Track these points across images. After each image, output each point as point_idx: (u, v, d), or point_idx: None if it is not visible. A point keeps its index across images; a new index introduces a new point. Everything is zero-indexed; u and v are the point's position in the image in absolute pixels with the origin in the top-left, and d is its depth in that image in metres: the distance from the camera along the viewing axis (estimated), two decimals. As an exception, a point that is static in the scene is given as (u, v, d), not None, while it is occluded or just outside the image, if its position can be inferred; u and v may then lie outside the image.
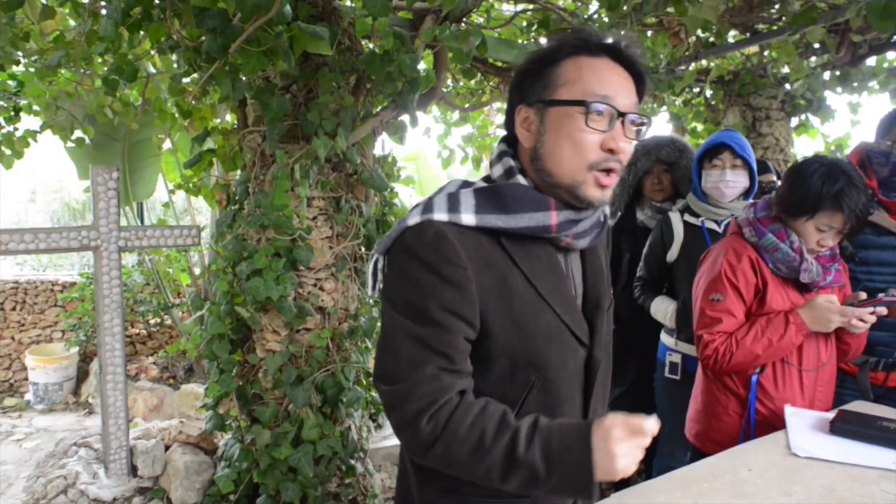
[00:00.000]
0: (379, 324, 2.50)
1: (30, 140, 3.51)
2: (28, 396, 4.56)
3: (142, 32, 2.09)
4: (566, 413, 1.06)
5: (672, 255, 2.41)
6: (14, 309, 4.72)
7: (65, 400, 4.52)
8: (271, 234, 2.30)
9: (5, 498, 3.30)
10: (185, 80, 2.15)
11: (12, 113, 3.42)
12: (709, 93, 3.46)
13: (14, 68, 3.04)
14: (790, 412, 1.67)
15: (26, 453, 3.81)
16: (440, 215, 0.96)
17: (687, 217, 2.39)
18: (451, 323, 0.93)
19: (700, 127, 3.90)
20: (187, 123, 2.80)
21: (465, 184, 1.04)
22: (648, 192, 2.68)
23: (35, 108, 3.44)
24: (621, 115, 0.94)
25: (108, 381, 2.37)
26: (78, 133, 3.67)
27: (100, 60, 2.62)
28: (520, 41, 3.21)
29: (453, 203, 0.97)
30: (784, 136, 3.52)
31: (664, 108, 3.85)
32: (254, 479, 2.34)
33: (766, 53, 3.32)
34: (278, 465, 2.30)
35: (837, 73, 3.21)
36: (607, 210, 1.11)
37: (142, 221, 4.90)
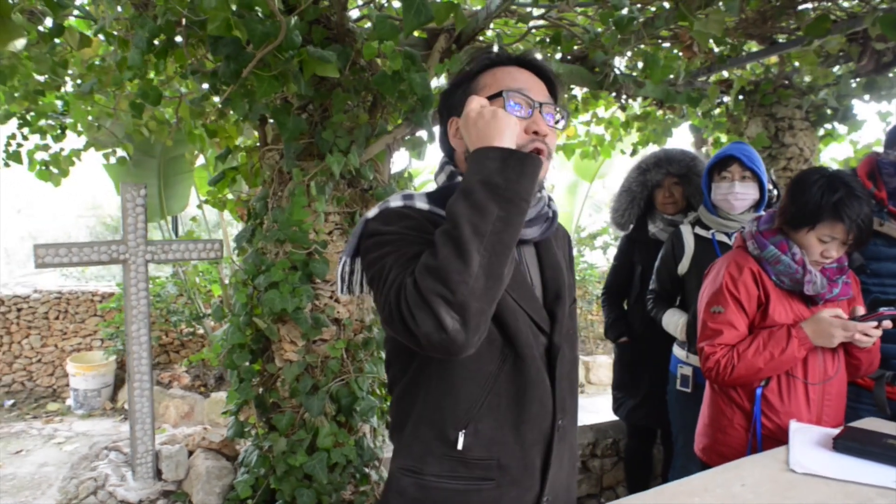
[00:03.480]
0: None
1: (74, 159, 3.71)
2: (69, 402, 4.77)
3: (170, 59, 2.22)
4: (538, 397, 1.10)
5: (683, 267, 2.41)
6: (57, 318, 4.97)
7: (102, 406, 4.72)
8: (289, 248, 2.38)
9: (45, 498, 3.47)
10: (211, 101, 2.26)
11: (59, 131, 3.62)
12: (726, 99, 3.43)
13: (62, 89, 3.24)
14: (795, 427, 1.65)
15: (66, 456, 3.99)
16: (395, 203, 1.07)
17: (697, 230, 2.39)
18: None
19: (724, 138, 3.87)
20: (215, 141, 2.92)
21: (423, 192, 1.13)
22: (660, 205, 2.68)
23: (80, 127, 3.64)
24: (539, 105, 1.07)
25: (136, 388, 2.49)
26: (119, 151, 3.88)
27: (132, 84, 2.77)
28: (538, 57, 3.26)
29: (407, 196, 1.09)
30: (809, 145, 3.46)
31: (687, 121, 3.83)
32: (271, 484, 2.41)
33: (789, 63, 3.29)
34: (294, 472, 2.37)
35: (863, 81, 3.16)
36: (555, 206, 1.20)
37: (176, 234, 5.10)
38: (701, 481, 1.39)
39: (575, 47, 2.95)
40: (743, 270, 1.77)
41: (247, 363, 2.48)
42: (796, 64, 3.19)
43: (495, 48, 2.63)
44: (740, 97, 3.45)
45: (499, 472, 1.07)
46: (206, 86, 1.99)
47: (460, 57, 2.40)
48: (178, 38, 2.02)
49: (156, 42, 2.04)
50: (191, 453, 2.66)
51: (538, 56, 1.14)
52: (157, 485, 2.53)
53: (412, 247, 0.98)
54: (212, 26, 1.67)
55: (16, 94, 2.91)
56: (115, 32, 2.25)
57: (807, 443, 1.57)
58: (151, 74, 2.17)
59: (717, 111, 3.66)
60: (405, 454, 1.10)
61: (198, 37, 1.97)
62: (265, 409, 2.52)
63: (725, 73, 3.48)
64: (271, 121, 2.50)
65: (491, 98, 1.06)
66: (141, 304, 2.47)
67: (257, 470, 2.44)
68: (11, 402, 4.85)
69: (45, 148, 3.46)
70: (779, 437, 1.71)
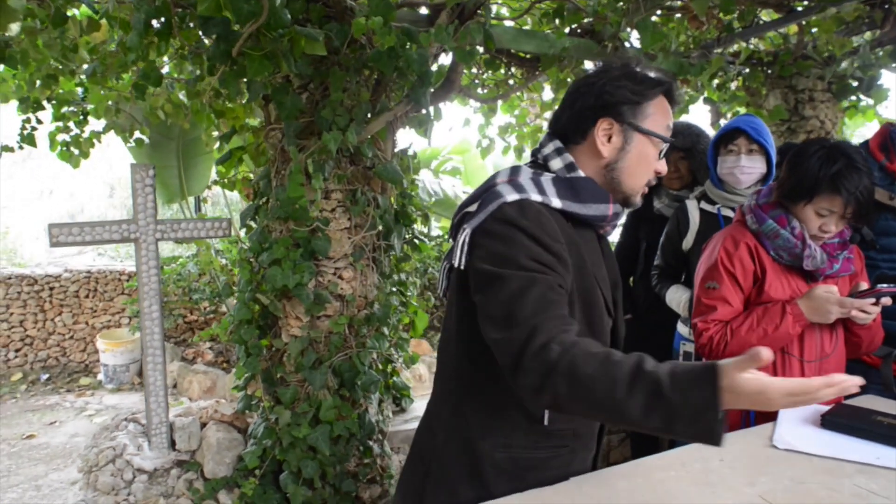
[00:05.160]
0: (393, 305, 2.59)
1: (95, 141, 3.80)
2: (100, 376, 4.97)
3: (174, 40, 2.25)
4: None
5: (687, 243, 2.37)
6: (87, 296, 5.16)
7: (131, 380, 4.90)
8: (292, 226, 2.42)
9: (75, 466, 3.64)
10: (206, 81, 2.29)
11: (81, 117, 3.71)
12: (746, 70, 3.31)
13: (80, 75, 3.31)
14: (786, 404, 1.63)
15: (95, 427, 4.16)
16: (535, 196, 1.11)
17: (703, 204, 2.35)
18: (556, 279, 1.06)
19: (743, 111, 3.75)
20: (222, 121, 2.97)
21: (536, 172, 1.18)
22: (665, 180, 2.64)
23: (100, 111, 3.72)
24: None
25: (149, 362, 2.58)
26: (138, 133, 3.96)
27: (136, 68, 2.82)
28: (547, 31, 3.20)
29: (541, 187, 1.13)
30: (830, 118, 3.34)
31: (705, 93, 3.72)
32: (277, 456, 2.49)
33: (808, 32, 3.16)
34: (299, 444, 2.44)
35: (889, 49, 3.02)
36: None
37: (200, 212, 5.21)
38: (679, 456, 1.39)
39: (583, 21, 2.90)
40: (739, 245, 1.73)
41: (254, 338, 2.55)
42: (815, 31, 3.06)
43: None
44: (759, 69, 3.34)
45: (573, 439, 1.23)
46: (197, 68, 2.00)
47: (446, 28, 2.37)
48: (174, 20, 2.04)
49: (157, 24, 2.09)
50: (204, 425, 2.75)
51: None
52: (171, 454, 2.63)
53: (550, 276, 1.04)
54: (202, 7, 1.69)
55: (37, 83, 2.99)
56: (122, 16, 2.28)
57: (795, 419, 1.55)
58: (153, 56, 2.21)
59: (735, 84, 3.55)
60: (495, 433, 1.18)
61: (194, 17, 1.99)
62: (272, 383, 2.59)
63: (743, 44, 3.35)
64: (274, 100, 2.53)
65: (657, 136, 1.16)
66: (152, 281, 2.55)
67: (264, 441, 2.52)
68: (47, 376, 5.08)
69: (66, 130, 3.54)
70: (773, 416, 1.69)
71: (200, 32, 1.79)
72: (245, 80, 1.95)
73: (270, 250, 2.39)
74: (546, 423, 1.16)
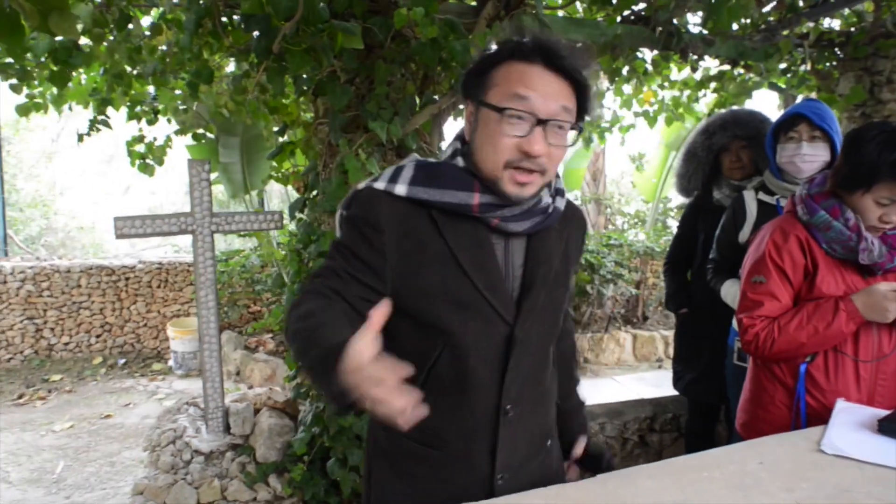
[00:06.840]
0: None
1: (167, 148, 3.96)
2: (170, 363, 5.25)
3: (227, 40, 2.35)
4: (478, 385, 1.11)
5: (744, 235, 2.26)
6: (159, 287, 5.46)
7: (199, 367, 5.15)
8: (339, 219, 2.47)
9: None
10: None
11: (152, 115, 3.91)
12: (814, 52, 3.10)
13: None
14: (841, 407, 1.53)
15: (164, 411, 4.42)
16: (380, 184, 1.10)
17: (761, 195, 2.23)
18: (355, 262, 1.07)
19: (814, 97, 3.53)
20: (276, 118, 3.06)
21: (419, 160, 1.13)
22: (727, 171, 2.52)
23: (169, 112, 3.91)
24: (542, 121, 1.01)
25: (206, 350, 2.70)
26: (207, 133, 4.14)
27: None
28: (598, 19, 3.12)
29: (395, 174, 1.10)
30: (913, 102, 3.08)
31: (769, 80, 3.52)
32: (325, 443, 2.55)
33: (886, 8, 2.93)
34: (345, 432, 2.49)
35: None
36: (560, 202, 1.16)
37: (263, 206, 5.41)
38: (714, 457, 1.32)
39: (634, 7, 2.80)
40: (788, 238, 1.63)
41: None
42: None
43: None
44: (829, 51, 3.13)
45: (443, 443, 1.14)
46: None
47: (503, 25, 2.35)
48: (225, 18, 2.12)
49: (210, 24, 2.17)
50: (257, 411, 2.86)
51: (566, 48, 1.03)
52: (226, 438, 2.75)
53: (342, 260, 1.08)
54: (245, 4, 1.75)
55: (115, 89, 3.13)
56: (179, 16, 2.39)
57: (849, 423, 1.44)
58: (207, 55, 2.31)
59: (805, 67, 3.34)
60: None
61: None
62: (320, 372, 2.66)
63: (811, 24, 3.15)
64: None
65: (488, 107, 1.03)
66: (208, 271, 2.66)
67: (313, 429, 2.59)
68: (123, 360, 5.42)
69: (141, 139, 3.70)
70: (825, 418, 1.58)
71: (243, 29, 1.85)
72: (291, 75, 2.00)
73: (318, 242, 2.45)
74: None
